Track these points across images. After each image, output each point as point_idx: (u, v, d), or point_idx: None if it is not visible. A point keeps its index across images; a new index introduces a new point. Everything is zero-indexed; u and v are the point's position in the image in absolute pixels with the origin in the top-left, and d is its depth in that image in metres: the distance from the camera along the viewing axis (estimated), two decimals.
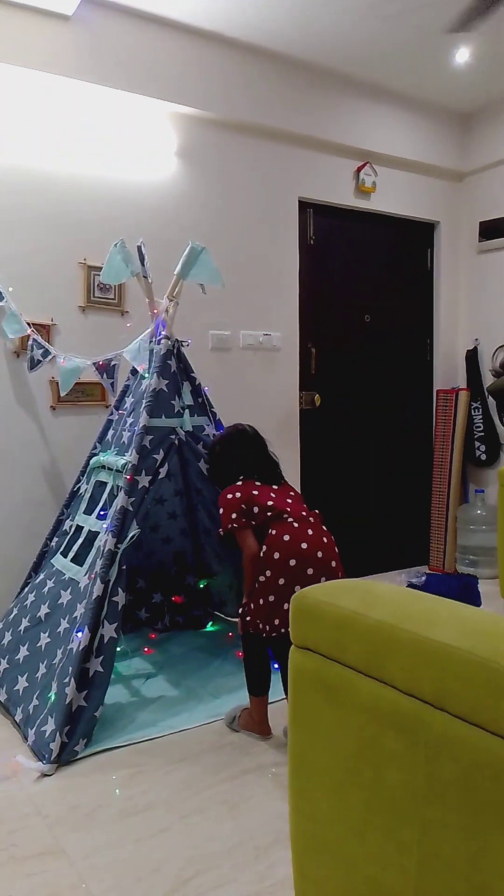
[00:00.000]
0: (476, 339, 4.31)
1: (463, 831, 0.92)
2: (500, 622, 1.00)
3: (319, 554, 2.15)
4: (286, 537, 2.16)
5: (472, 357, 4.30)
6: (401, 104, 3.96)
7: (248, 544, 2.21)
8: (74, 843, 1.76)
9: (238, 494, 2.27)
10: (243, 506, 2.24)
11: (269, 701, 2.31)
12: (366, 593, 1.18)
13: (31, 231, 2.98)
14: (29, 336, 2.87)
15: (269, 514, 2.22)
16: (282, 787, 1.99)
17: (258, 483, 2.34)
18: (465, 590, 3.44)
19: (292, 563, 2.12)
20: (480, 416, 4.23)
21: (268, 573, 2.15)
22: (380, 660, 1.05)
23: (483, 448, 4.23)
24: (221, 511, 2.27)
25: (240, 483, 2.33)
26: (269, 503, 2.25)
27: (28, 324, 2.88)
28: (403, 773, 0.99)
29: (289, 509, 2.25)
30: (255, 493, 2.28)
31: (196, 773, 2.08)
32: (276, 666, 2.64)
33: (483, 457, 4.24)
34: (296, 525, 2.19)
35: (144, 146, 3.24)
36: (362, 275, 4.06)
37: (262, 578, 2.16)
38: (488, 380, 4.21)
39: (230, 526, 2.23)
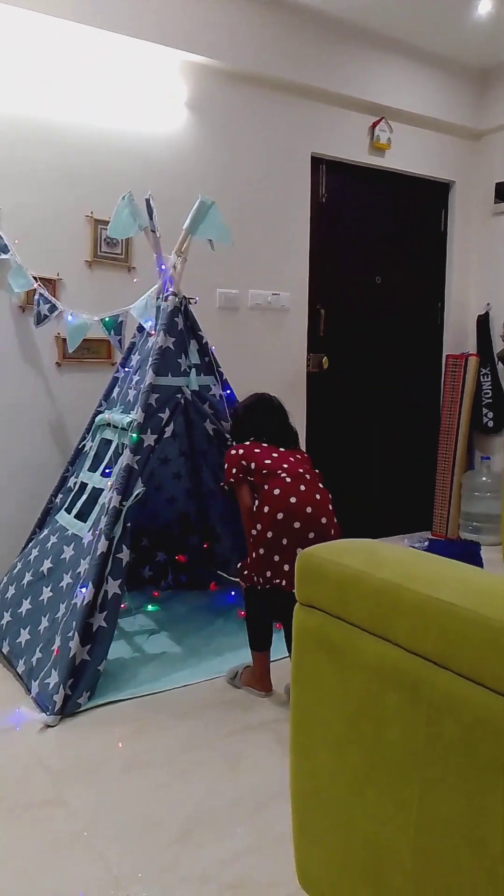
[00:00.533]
0: (488, 304, 4.24)
1: (462, 789, 0.92)
2: None
3: (309, 509, 2.19)
4: (276, 491, 2.21)
5: (483, 322, 4.23)
6: (418, 58, 3.83)
7: (243, 498, 2.30)
8: (77, 795, 1.79)
9: (241, 451, 2.35)
10: (243, 462, 2.31)
11: (272, 659, 2.33)
12: (371, 553, 1.17)
13: (37, 183, 2.91)
14: (35, 290, 2.83)
15: (264, 471, 2.28)
16: (282, 743, 2.01)
17: (265, 444, 2.39)
18: (467, 556, 3.44)
19: (280, 516, 2.17)
20: (489, 383, 4.19)
21: (259, 527, 2.21)
22: (384, 619, 1.04)
23: (490, 415, 4.20)
24: (225, 466, 2.35)
25: (247, 443, 2.39)
26: (268, 461, 2.30)
27: (34, 278, 2.83)
28: (405, 732, 0.99)
29: (285, 466, 2.29)
30: (257, 451, 2.35)
31: (198, 728, 2.10)
32: (277, 626, 2.66)
33: (490, 423, 4.20)
34: (288, 480, 2.24)
35: (154, 96, 3.14)
36: (374, 235, 3.98)
37: (254, 532, 2.23)
38: (499, 345, 4.16)
39: (229, 479, 2.32)
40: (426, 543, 3.78)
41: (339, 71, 3.57)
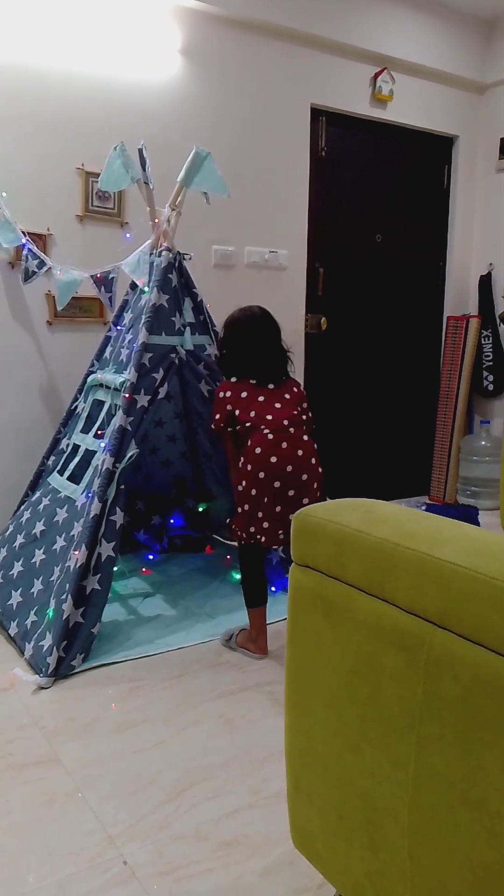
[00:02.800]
0: (490, 264, 4.15)
1: (461, 747, 0.90)
2: None
3: (289, 468, 2.18)
4: (258, 450, 2.19)
5: (485, 282, 4.15)
6: (422, 6, 3.68)
7: (228, 448, 2.35)
8: (72, 753, 1.78)
9: (228, 394, 2.30)
10: (228, 407, 2.28)
11: (269, 622, 2.32)
12: (369, 512, 1.14)
13: (25, 133, 2.80)
14: (24, 246, 2.74)
15: (248, 424, 2.24)
16: (277, 704, 2.01)
17: (252, 382, 2.31)
18: (465, 520, 3.43)
19: (261, 475, 2.18)
20: (490, 345, 4.12)
21: (243, 483, 2.22)
22: (382, 578, 1.01)
23: (491, 378, 4.14)
24: (214, 407, 2.35)
25: (234, 381, 2.33)
26: (252, 412, 2.25)
27: (23, 233, 2.75)
28: (402, 690, 0.97)
29: (269, 417, 2.23)
30: (244, 395, 2.28)
31: (193, 688, 2.10)
32: (273, 589, 2.65)
33: (490, 387, 4.15)
34: (270, 437, 2.20)
35: (146, 43, 3.01)
36: (375, 191, 3.87)
37: (239, 488, 2.24)
38: (501, 307, 4.09)
39: (219, 425, 2.31)
40: (423, 508, 3.76)
41: (340, 18, 3.43)
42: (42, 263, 2.74)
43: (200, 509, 3.25)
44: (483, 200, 4.19)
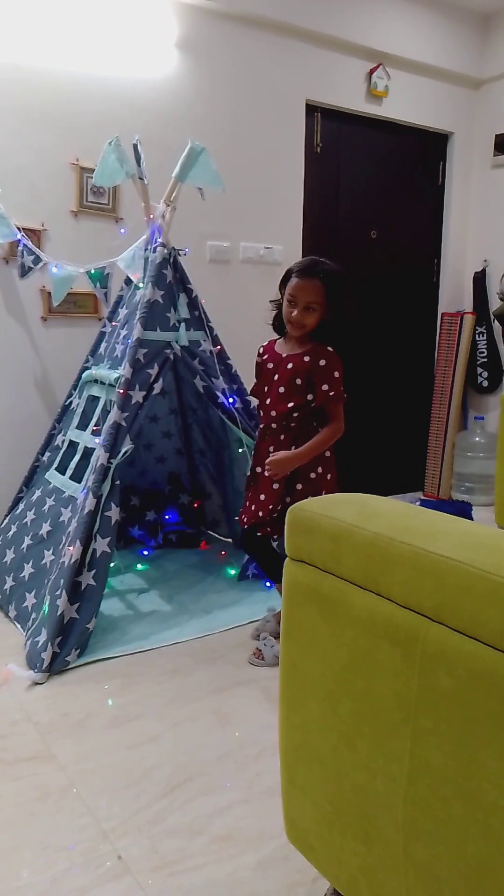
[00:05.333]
0: (485, 261, 4.15)
1: (455, 741, 0.90)
2: (501, 536, 0.96)
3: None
4: (328, 454, 2.26)
5: (479, 279, 4.15)
6: (418, 2, 3.67)
7: (343, 421, 2.19)
8: (65, 749, 1.78)
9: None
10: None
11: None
12: (364, 506, 1.14)
13: (19, 128, 2.79)
14: (19, 241, 2.73)
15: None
16: (272, 699, 2.01)
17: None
18: (459, 516, 3.43)
19: (329, 477, 2.25)
20: (485, 342, 4.13)
21: (320, 469, 2.21)
22: (376, 573, 1.01)
23: (485, 374, 4.15)
24: (337, 375, 2.12)
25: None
26: None
27: (17, 228, 2.73)
28: (397, 684, 0.97)
29: None
30: None
31: (188, 684, 2.10)
32: (267, 585, 2.65)
33: (485, 383, 4.16)
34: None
35: (142, 37, 3.00)
36: (370, 187, 3.87)
37: (312, 475, 2.21)
38: (495, 303, 4.09)
39: (344, 395, 2.16)
40: (418, 503, 3.76)
41: (335, 13, 3.42)
42: (38, 259, 2.73)
43: (195, 505, 3.24)
44: (478, 197, 4.19)
